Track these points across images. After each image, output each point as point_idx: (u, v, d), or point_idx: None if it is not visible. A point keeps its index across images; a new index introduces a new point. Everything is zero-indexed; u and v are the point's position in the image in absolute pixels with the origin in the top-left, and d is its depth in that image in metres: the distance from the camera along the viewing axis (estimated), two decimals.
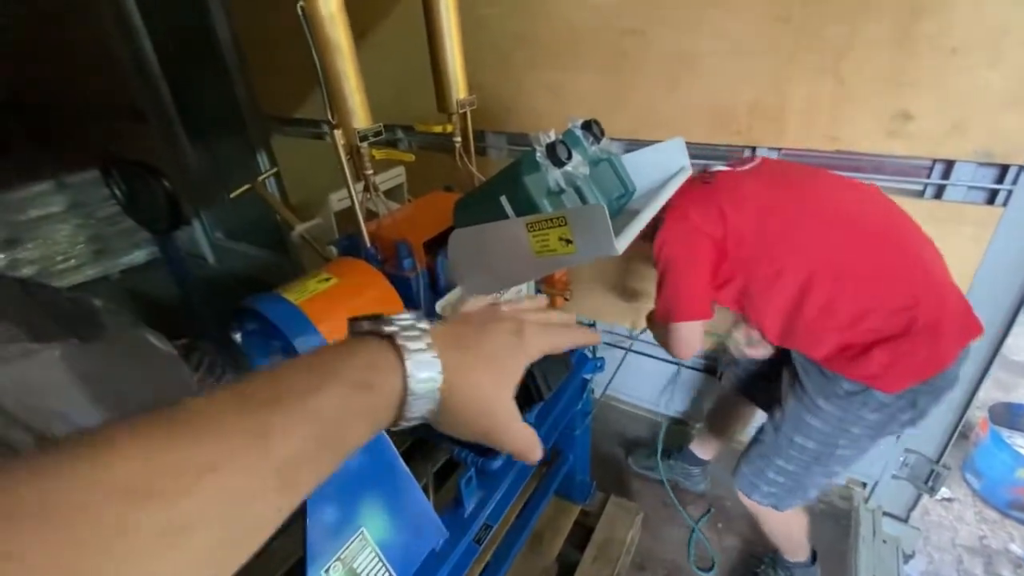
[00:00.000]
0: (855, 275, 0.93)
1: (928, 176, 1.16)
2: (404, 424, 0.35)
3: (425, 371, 0.33)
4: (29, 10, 2.87)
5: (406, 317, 0.35)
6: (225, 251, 3.09)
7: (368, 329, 0.35)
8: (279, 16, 1.91)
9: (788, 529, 1.26)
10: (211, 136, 2.70)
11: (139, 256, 3.15)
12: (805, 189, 1.02)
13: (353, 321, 0.36)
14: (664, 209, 1.00)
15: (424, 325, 0.36)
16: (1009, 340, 1.21)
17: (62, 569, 0.18)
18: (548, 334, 0.42)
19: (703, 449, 1.63)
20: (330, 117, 0.85)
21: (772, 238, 0.97)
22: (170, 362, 0.61)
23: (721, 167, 1.09)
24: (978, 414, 2.07)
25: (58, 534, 0.19)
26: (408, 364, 0.33)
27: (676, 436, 1.86)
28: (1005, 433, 1.92)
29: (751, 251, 0.99)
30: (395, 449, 0.78)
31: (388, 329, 0.34)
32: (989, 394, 2.31)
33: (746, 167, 1.07)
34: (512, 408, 0.39)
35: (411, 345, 0.33)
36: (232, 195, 1.16)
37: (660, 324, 1.11)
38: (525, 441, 0.40)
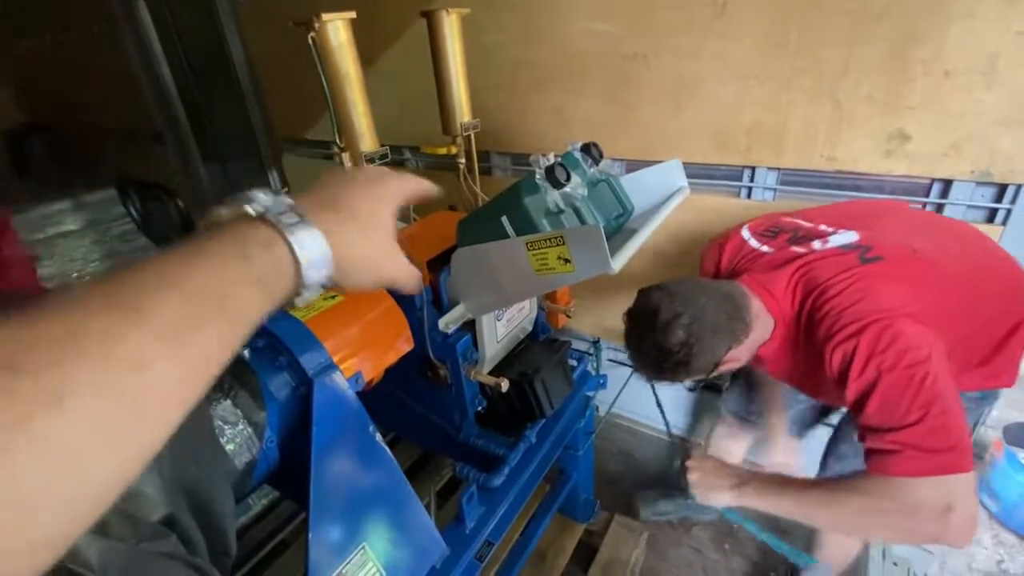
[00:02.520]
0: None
1: (927, 195, 1.17)
2: (307, 293, 0.36)
3: (309, 240, 0.34)
4: (51, 36, 2.99)
5: (264, 195, 0.35)
6: None
7: (232, 215, 0.35)
8: (291, 43, 1.98)
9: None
10: (225, 157, 2.77)
11: None
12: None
13: (209, 211, 0.36)
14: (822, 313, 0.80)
15: (288, 199, 0.36)
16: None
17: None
18: (402, 178, 0.46)
19: None
20: (338, 141, 0.89)
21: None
22: None
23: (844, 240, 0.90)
24: (992, 434, 2.03)
25: None
26: (291, 238, 0.33)
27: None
28: (1021, 454, 1.88)
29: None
30: (398, 466, 0.79)
31: (254, 210, 0.34)
32: (1003, 414, 2.27)
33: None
34: (392, 248, 0.42)
35: (286, 220, 0.34)
36: None
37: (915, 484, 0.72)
38: (410, 274, 0.44)
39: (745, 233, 1.02)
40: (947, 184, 1.13)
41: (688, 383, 0.92)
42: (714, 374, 0.88)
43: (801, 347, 0.87)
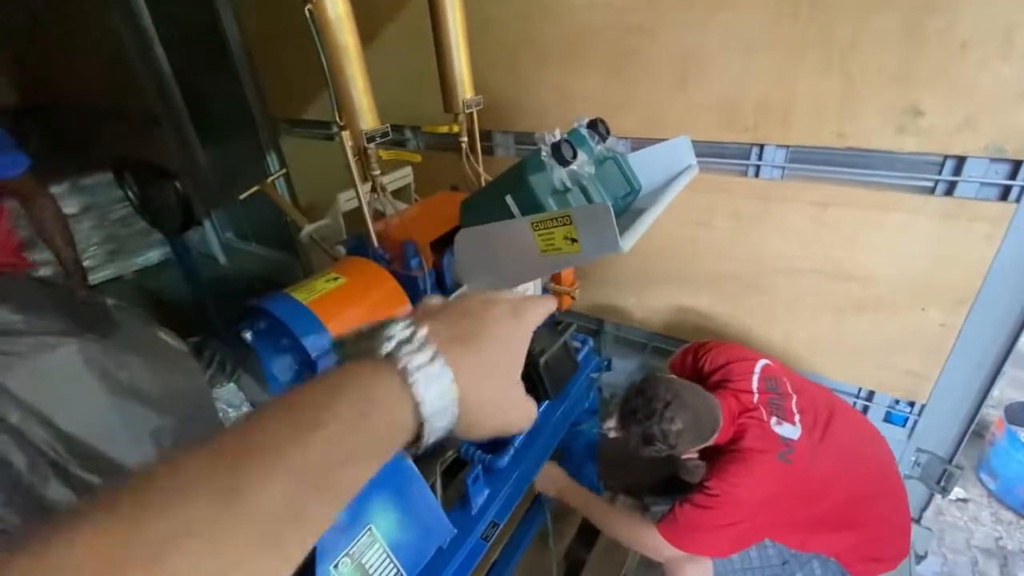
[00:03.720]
0: None
1: (939, 172, 1.14)
2: (425, 447, 0.32)
3: (435, 386, 0.31)
4: (44, 16, 2.92)
5: (401, 327, 0.32)
6: (235, 251, 3.13)
7: (361, 350, 0.31)
8: (287, 18, 1.93)
9: None
10: (222, 138, 2.73)
11: (152, 257, 3.20)
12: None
13: (341, 344, 0.33)
14: None
15: (423, 331, 0.32)
16: None
17: None
18: (537, 304, 0.41)
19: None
20: (338, 119, 0.86)
21: None
22: (182, 358, 0.63)
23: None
24: (993, 413, 2.04)
25: None
26: (416, 388, 0.30)
27: None
28: (1021, 433, 1.89)
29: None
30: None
31: (384, 349, 0.31)
32: (1005, 393, 2.27)
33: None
34: (521, 393, 0.38)
35: (415, 361, 0.30)
36: (241, 196, 1.18)
37: None
38: (530, 419, 0.40)
39: (758, 367, 1.22)
40: (960, 161, 1.11)
41: (651, 455, 1.16)
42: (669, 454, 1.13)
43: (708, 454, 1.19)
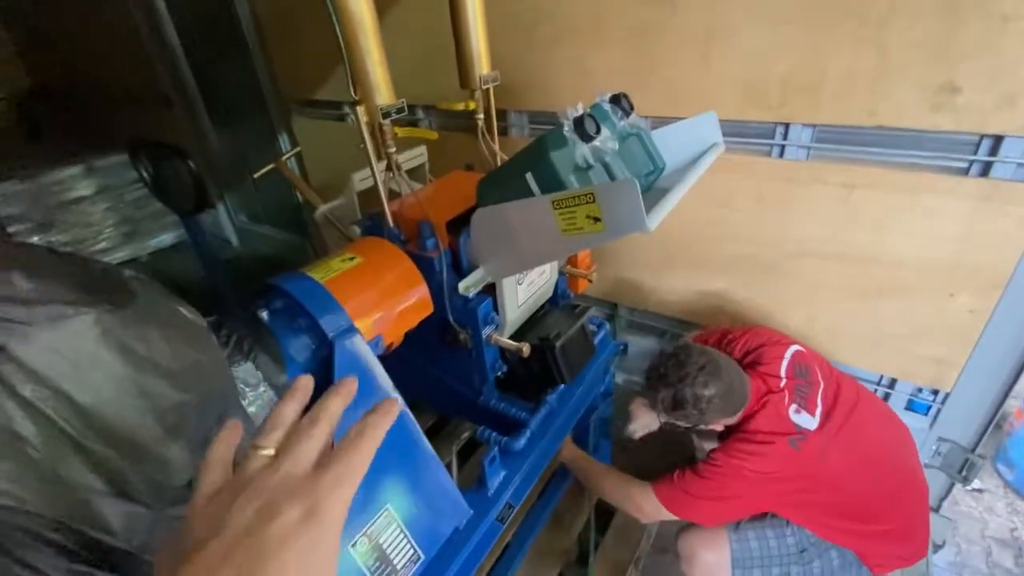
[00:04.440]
0: None
1: (975, 152, 1.09)
2: None
3: None
4: (56, 1, 2.91)
5: None
6: (248, 233, 3.14)
7: None
8: None
9: None
10: (234, 119, 2.72)
11: (166, 239, 3.22)
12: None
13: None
14: None
15: None
16: None
17: None
18: (342, 473, 0.29)
19: None
20: (353, 93, 0.84)
21: None
22: (199, 332, 0.62)
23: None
24: (1013, 404, 2.00)
25: None
26: None
27: None
28: None
29: None
30: (419, 428, 0.78)
31: None
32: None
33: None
34: None
35: None
36: (256, 175, 1.16)
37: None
38: None
39: (789, 352, 1.21)
40: (997, 140, 1.06)
41: (675, 423, 1.15)
42: (696, 427, 1.14)
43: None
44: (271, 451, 0.30)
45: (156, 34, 2.59)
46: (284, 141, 2.42)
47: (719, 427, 1.15)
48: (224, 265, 2.85)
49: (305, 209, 2.27)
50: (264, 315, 0.76)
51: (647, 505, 1.16)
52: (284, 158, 1.23)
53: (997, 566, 1.71)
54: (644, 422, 1.34)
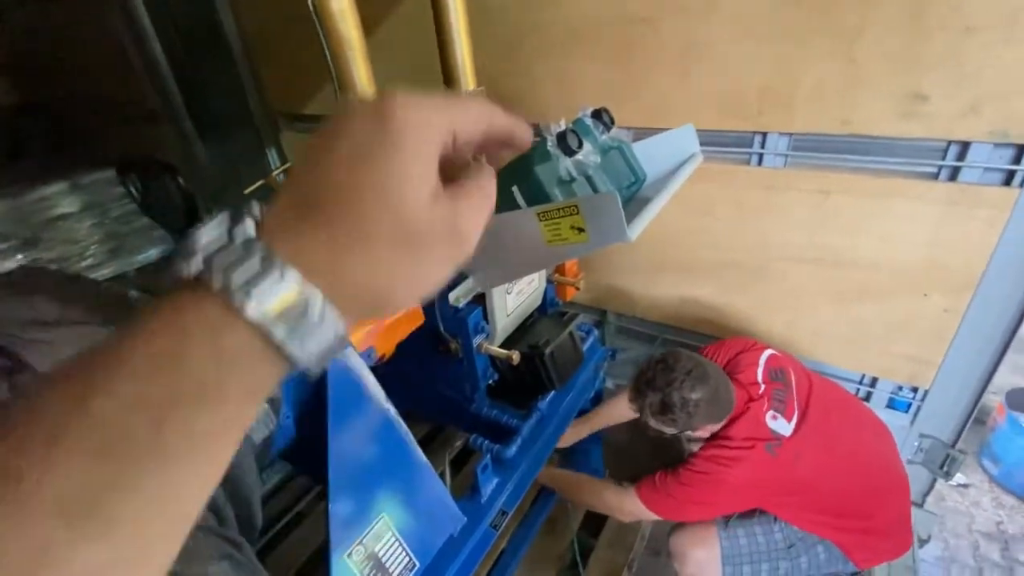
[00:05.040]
0: None
1: (943, 158, 1.14)
2: (310, 364, 0.23)
3: (275, 298, 0.21)
4: (40, 14, 2.90)
5: (211, 228, 0.22)
6: None
7: (168, 277, 0.23)
8: (286, 12, 1.92)
9: None
10: (222, 135, 2.72)
11: (153, 253, 3.19)
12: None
13: (141, 272, 0.25)
14: None
15: (245, 226, 0.22)
16: None
17: None
18: (439, 107, 0.26)
19: None
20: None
21: None
22: None
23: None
24: (995, 399, 2.05)
25: None
26: (250, 306, 0.21)
27: None
28: (1022, 418, 1.90)
29: None
30: (412, 437, 0.79)
31: (190, 268, 0.22)
32: (1006, 379, 2.28)
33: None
34: (435, 231, 0.25)
35: (237, 275, 0.21)
36: (246, 191, 1.18)
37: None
38: (467, 248, 0.27)
39: (763, 358, 1.23)
40: (964, 146, 1.11)
41: (662, 429, 1.16)
42: (683, 433, 1.15)
43: None
44: None
45: (142, 50, 2.59)
46: (273, 156, 2.43)
47: (705, 433, 1.17)
48: None
49: None
50: None
51: (627, 505, 1.19)
52: (275, 174, 1.25)
53: (984, 559, 1.74)
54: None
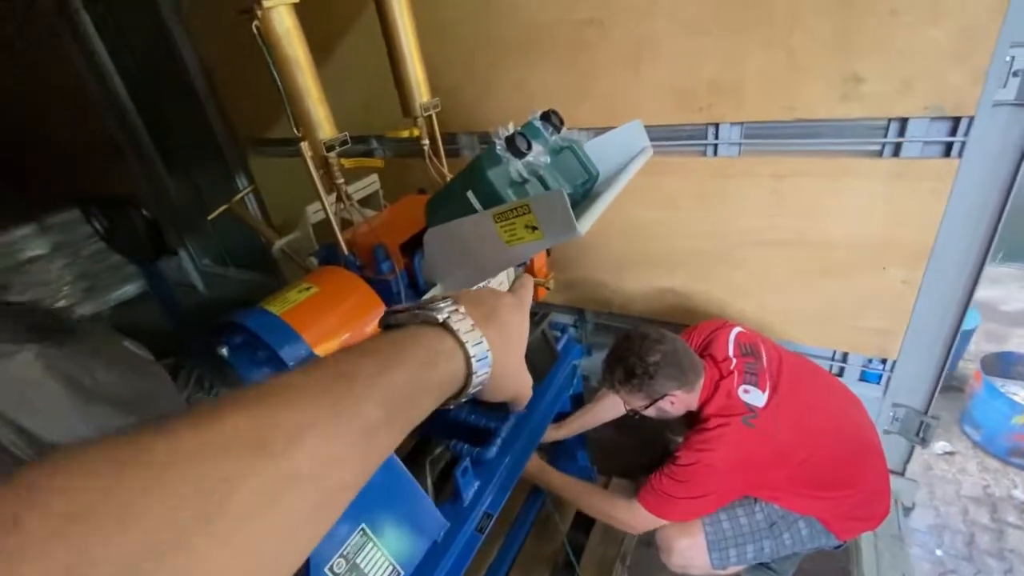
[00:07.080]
0: None
1: (885, 135, 1.19)
2: (466, 397, 0.40)
3: (478, 347, 0.38)
4: None
5: (448, 303, 0.40)
6: (214, 277, 3.10)
7: (420, 319, 0.39)
8: (241, 38, 1.92)
9: None
10: (189, 164, 2.71)
11: (129, 290, 3.15)
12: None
13: (394, 313, 0.41)
14: None
15: (463, 307, 0.40)
16: (996, 291, 1.24)
17: (185, 508, 0.21)
18: (526, 287, 0.52)
19: None
20: (296, 131, 0.88)
21: None
22: (149, 365, 0.63)
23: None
24: (971, 367, 2.10)
25: (185, 476, 0.21)
26: (468, 347, 0.38)
27: None
28: (999, 383, 1.95)
29: None
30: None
31: (440, 317, 0.38)
32: (980, 347, 2.35)
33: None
34: (525, 369, 0.47)
35: (463, 327, 0.38)
36: (210, 216, 1.18)
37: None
38: (529, 392, 0.48)
39: (732, 334, 1.27)
40: (903, 123, 1.16)
41: (635, 404, 1.18)
42: (654, 405, 1.16)
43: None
44: None
45: (101, 84, 2.57)
46: (243, 180, 2.43)
47: (679, 407, 1.18)
48: (191, 311, 2.80)
49: (268, 247, 2.26)
50: (224, 352, 0.77)
51: (639, 521, 1.17)
52: (236, 198, 1.25)
53: (975, 523, 1.77)
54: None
